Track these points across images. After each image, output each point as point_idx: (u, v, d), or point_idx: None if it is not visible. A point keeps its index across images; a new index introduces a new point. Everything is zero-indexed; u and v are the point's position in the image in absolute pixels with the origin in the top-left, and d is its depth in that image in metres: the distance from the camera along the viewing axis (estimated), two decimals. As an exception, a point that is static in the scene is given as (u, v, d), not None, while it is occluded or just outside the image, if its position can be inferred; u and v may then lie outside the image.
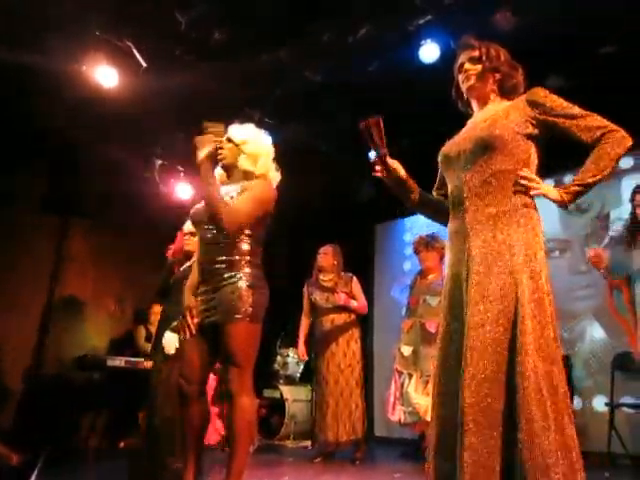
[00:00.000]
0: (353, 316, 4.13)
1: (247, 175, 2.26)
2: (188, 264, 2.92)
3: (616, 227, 3.95)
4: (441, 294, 3.93)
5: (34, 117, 3.91)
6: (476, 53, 1.72)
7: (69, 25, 3.21)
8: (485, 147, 1.60)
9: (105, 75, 3.52)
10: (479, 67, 1.71)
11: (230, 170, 2.30)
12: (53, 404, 4.17)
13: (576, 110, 1.59)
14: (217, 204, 2.01)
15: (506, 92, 1.74)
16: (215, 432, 4.28)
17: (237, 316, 2.05)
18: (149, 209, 4.73)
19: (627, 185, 3.12)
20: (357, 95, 4.04)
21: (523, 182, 1.57)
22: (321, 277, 4.24)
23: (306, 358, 4.35)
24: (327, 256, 4.23)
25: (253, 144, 2.26)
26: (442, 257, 4.08)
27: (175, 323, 2.64)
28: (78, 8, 3.10)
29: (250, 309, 2.07)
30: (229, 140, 2.26)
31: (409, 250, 5.62)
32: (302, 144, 4.64)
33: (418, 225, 5.76)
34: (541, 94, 1.63)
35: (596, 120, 1.57)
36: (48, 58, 3.32)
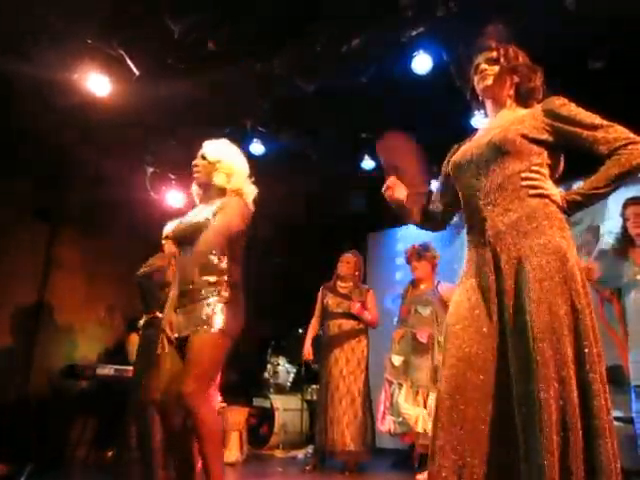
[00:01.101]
0: (362, 325, 4.12)
1: (221, 192, 2.29)
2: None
3: (607, 240, 3.98)
4: (432, 304, 3.96)
5: (24, 124, 3.89)
6: (494, 54, 1.68)
7: (60, 33, 3.20)
8: (498, 152, 1.57)
9: (97, 83, 3.51)
10: (496, 68, 1.67)
11: (205, 187, 2.35)
12: (41, 413, 4.12)
13: (596, 120, 1.51)
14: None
15: (523, 97, 1.69)
16: None
17: (205, 327, 2.06)
18: (139, 217, 4.70)
19: (617, 198, 3.14)
20: (350, 105, 4.06)
21: (525, 182, 1.53)
22: (339, 283, 4.26)
23: (311, 357, 4.30)
24: (349, 265, 4.24)
25: (227, 162, 2.29)
26: (434, 267, 4.10)
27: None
28: (69, 16, 3.10)
29: (221, 323, 2.08)
30: (203, 157, 2.31)
31: (400, 260, 5.63)
32: (294, 153, 4.65)
33: (410, 235, 5.77)
34: (557, 103, 1.58)
35: (617, 131, 1.49)
36: (40, 66, 3.31)
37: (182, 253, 2.26)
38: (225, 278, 2.16)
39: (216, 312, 2.09)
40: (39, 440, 3.91)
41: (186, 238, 2.21)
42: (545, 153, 1.57)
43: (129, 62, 3.42)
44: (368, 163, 4.76)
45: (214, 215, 2.15)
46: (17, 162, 4.25)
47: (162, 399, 2.11)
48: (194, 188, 2.42)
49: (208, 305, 2.09)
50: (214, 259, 2.17)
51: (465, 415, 1.41)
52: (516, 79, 1.68)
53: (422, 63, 3.60)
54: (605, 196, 1.51)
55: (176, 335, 2.15)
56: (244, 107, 4.10)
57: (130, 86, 3.58)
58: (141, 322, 4.53)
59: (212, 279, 2.14)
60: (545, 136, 1.56)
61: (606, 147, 1.48)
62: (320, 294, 4.31)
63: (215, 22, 3.27)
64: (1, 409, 4.00)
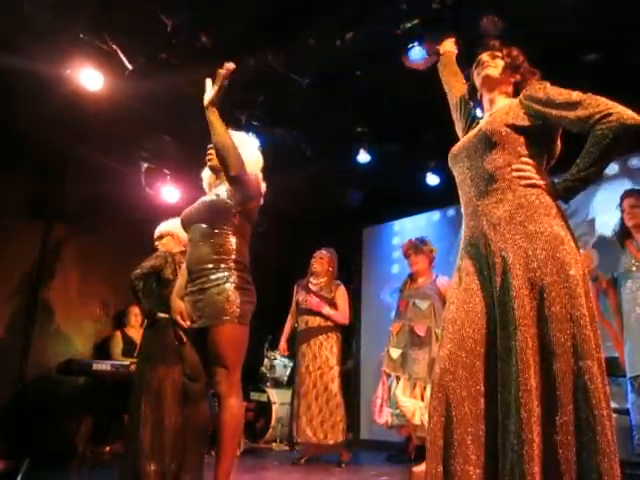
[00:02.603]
0: (330, 322, 4.10)
1: None
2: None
3: (602, 232, 3.99)
4: (430, 297, 3.97)
5: (17, 120, 3.85)
6: (497, 52, 1.72)
7: (53, 27, 3.16)
8: (487, 143, 1.58)
9: (90, 78, 3.48)
10: (499, 62, 1.71)
11: (218, 172, 2.34)
12: (38, 409, 4.11)
13: (572, 97, 1.49)
14: (228, 146, 2.09)
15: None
16: None
17: (225, 318, 2.05)
18: (134, 212, 4.69)
19: (613, 190, 3.15)
20: (345, 99, 4.04)
21: (516, 173, 1.54)
22: (312, 280, 4.26)
23: (286, 353, 4.40)
24: (322, 261, 4.25)
25: (240, 150, 2.25)
26: (431, 260, 4.11)
27: None
28: (60, 9, 3.06)
29: (237, 310, 2.08)
30: None
31: (397, 253, 5.65)
32: (289, 148, 4.63)
33: (406, 229, 5.79)
34: (537, 86, 1.60)
35: (591, 106, 1.45)
36: (32, 60, 3.27)
37: (191, 233, 2.23)
38: (234, 257, 2.15)
39: (231, 300, 2.07)
40: (36, 436, 3.90)
41: (198, 215, 2.20)
42: (534, 141, 1.58)
43: (122, 57, 3.39)
44: (364, 157, 4.75)
45: (227, 191, 2.17)
46: (11, 159, 4.22)
47: (190, 383, 2.13)
48: (205, 173, 2.43)
49: (219, 294, 2.07)
50: (225, 239, 2.16)
51: (455, 394, 1.43)
52: (517, 78, 1.70)
53: (417, 56, 3.57)
54: (597, 175, 1.49)
55: (189, 324, 2.14)
56: (238, 101, 4.07)
57: (123, 81, 3.55)
58: (130, 319, 4.59)
59: (221, 258, 2.12)
60: (528, 122, 1.57)
61: (583, 126, 1.46)
62: (295, 290, 4.33)
63: (208, 16, 3.24)
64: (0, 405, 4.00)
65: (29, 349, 4.28)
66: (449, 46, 2.14)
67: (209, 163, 2.34)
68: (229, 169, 2.10)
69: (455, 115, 1.95)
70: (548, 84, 1.60)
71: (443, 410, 1.43)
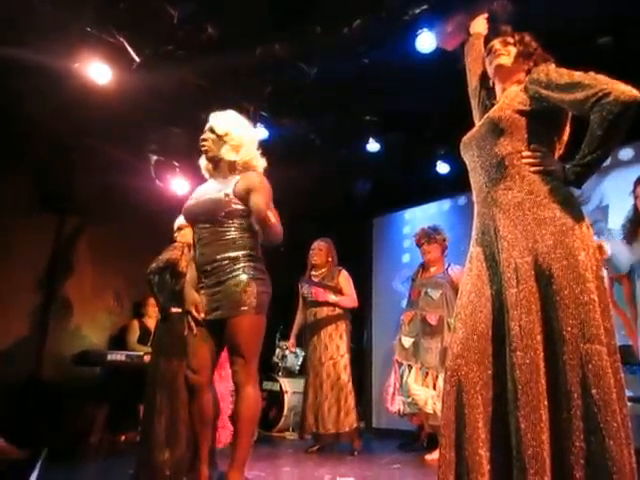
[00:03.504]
0: (338, 310, 4.10)
1: (231, 165, 2.26)
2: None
3: (616, 220, 3.94)
4: (442, 287, 3.96)
5: (27, 114, 3.87)
6: (509, 39, 1.68)
7: (60, 22, 3.16)
8: (495, 129, 1.57)
9: (98, 72, 3.48)
10: (512, 50, 1.67)
11: (214, 162, 2.31)
12: (55, 400, 4.18)
13: (574, 78, 1.44)
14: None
15: None
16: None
17: (242, 308, 2.07)
18: (145, 204, 4.71)
19: (627, 177, 3.10)
20: (353, 87, 4.01)
21: (525, 160, 1.53)
22: (312, 272, 4.25)
23: (294, 349, 4.47)
24: (321, 252, 4.22)
25: (235, 134, 2.25)
26: (444, 249, 4.09)
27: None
28: (68, 3, 3.06)
29: (254, 301, 2.09)
30: (212, 131, 2.26)
31: (408, 242, 5.63)
32: (298, 137, 4.61)
33: (417, 217, 5.76)
34: (541, 69, 1.56)
35: (586, 88, 1.40)
36: (41, 55, 3.28)
37: (199, 232, 2.22)
38: (247, 252, 2.16)
39: (247, 291, 2.08)
40: (53, 425, 3.98)
41: (206, 215, 2.18)
42: (542, 126, 1.56)
43: (129, 49, 3.39)
44: (373, 146, 4.71)
45: (236, 194, 2.15)
46: (21, 154, 4.25)
47: (193, 378, 2.13)
48: (203, 162, 2.38)
49: (236, 285, 2.08)
50: (237, 235, 2.16)
51: (467, 378, 1.44)
52: (531, 65, 1.66)
53: (426, 42, 3.53)
54: (604, 158, 1.46)
55: (203, 316, 2.15)
56: (246, 92, 4.06)
57: (131, 74, 3.55)
58: (147, 310, 4.63)
59: (235, 255, 2.13)
60: (534, 107, 1.54)
61: (582, 109, 1.43)
62: (299, 286, 4.32)
63: (214, 7, 3.22)
64: (16, 396, 4.07)
65: (45, 341, 4.35)
66: (480, 26, 2.01)
67: (204, 155, 2.31)
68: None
69: (473, 102, 1.91)
70: (552, 66, 1.56)
71: (455, 395, 1.44)
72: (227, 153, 2.25)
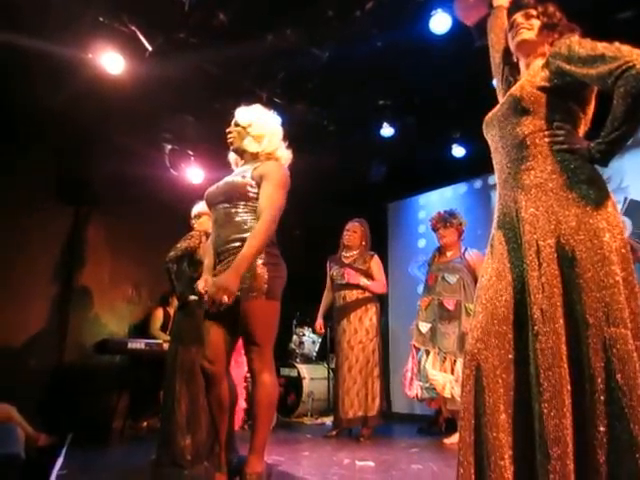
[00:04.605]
0: (367, 293, 4.06)
1: (254, 156, 2.29)
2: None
3: (636, 199, 3.86)
4: (459, 271, 3.93)
5: (45, 105, 3.90)
6: (532, 11, 1.61)
7: (73, 11, 3.17)
8: (517, 107, 1.51)
9: (111, 61, 3.49)
10: (534, 22, 1.60)
11: (240, 153, 2.36)
12: (77, 388, 4.27)
13: (597, 51, 1.38)
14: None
15: None
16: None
17: (252, 294, 2.06)
18: (162, 193, 4.74)
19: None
20: (366, 71, 3.96)
21: (549, 139, 1.48)
22: (344, 254, 4.21)
23: (322, 331, 4.36)
24: (356, 235, 4.18)
25: (258, 125, 2.28)
26: (460, 234, 4.05)
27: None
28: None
29: (265, 286, 2.08)
30: (236, 124, 2.30)
31: (423, 228, 5.59)
32: (312, 123, 4.58)
33: (432, 202, 5.71)
34: (562, 42, 1.49)
35: (609, 62, 1.34)
36: (56, 45, 3.29)
37: (216, 213, 2.25)
38: None
39: (258, 276, 2.07)
40: (76, 412, 4.06)
41: (224, 195, 2.21)
42: (566, 103, 1.50)
43: (142, 38, 3.38)
44: (387, 131, 4.67)
45: (253, 179, 2.16)
46: (39, 144, 4.30)
47: (209, 367, 2.14)
48: (231, 157, 2.43)
49: (247, 270, 2.06)
50: (249, 217, 2.16)
51: (487, 362, 1.42)
52: (556, 37, 1.59)
53: (440, 23, 3.46)
54: (629, 135, 1.39)
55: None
56: (259, 79, 4.04)
57: (144, 63, 3.55)
58: (172, 299, 4.69)
59: (246, 237, 2.12)
60: (557, 83, 1.47)
61: (605, 83, 1.36)
62: (327, 266, 4.29)
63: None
64: (41, 384, 4.17)
65: (66, 331, 4.43)
66: None
67: (231, 147, 2.36)
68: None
69: (497, 79, 1.84)
70: (575, 37, 1.49)
71: (475, 379, 1.42)
72: (249, 144, 2.28)
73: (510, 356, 1.43)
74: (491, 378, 1.40)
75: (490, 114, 1.66)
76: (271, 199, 2.11)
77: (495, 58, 1.85)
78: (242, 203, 2.17)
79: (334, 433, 4.07)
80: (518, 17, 1.62)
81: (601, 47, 1.39)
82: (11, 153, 4.15)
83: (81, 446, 3.27)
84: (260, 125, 2.27)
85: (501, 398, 1.39)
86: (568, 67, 1.44)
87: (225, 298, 1.95)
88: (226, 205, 2.20)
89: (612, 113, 1.37)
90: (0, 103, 3.85)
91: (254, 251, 2.02)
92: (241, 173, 2.24)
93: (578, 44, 1.44)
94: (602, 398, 1.28)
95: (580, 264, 1.36)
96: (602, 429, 1.27)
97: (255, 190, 2.17)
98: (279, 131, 2.35)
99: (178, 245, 2.99)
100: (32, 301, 4.24)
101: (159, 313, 4.74)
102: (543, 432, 1.29)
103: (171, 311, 4.68)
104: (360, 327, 4.01)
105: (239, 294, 2.07)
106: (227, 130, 2.32)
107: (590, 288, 1.33)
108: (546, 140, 1.49)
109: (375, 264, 4.13)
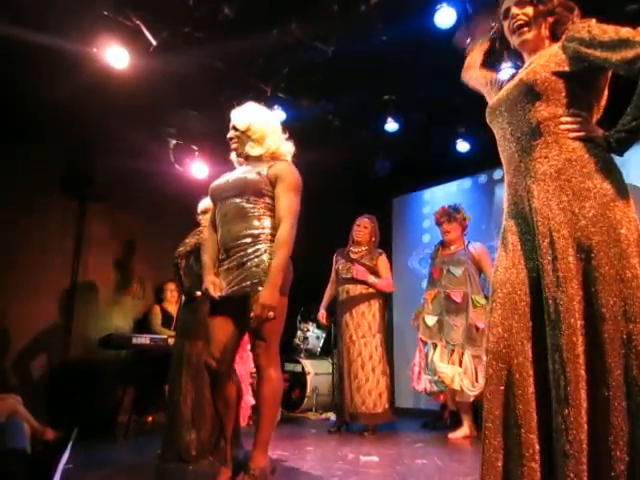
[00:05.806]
0: (371, 289, 4.05)
1: (259, 159, 2.28)
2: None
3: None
4: (464, 263, 3.92)
5: (50, 99, 3.90)
6: None
7: (78, 5, 3.16)
8: (529, 93, 1.45)
9: (116, 56, 3.48)
10: (529, 10, 1.54)
11: (244, 157, 2.35)
12: (82, 383, 4.29)
13: (619, 35, 1.32)
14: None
15: (560, 37, 1.51)
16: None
17: (261, 289, 2.05)
18: (166, 189, 4.74)
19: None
20: (371, 66, 3.94)
21: (564, 126, 1.42)
22: (352, 249, 4.19)
23: (326, 322, 4.34)
24: (366, 230, 4.16)
25: (257, 127, 2.26)
26: (464, 229, 4.06)
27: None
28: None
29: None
30: (235, 128, 2.29)
31: (428, 223, 5.58)
32: (316, 118, 4.57)
33: (436, 197, 5.69)
34: (580, 25, 1.43)
35: (635, 47, 1.29)
36: (60, 40, 3.29)
37: (224, 208, 2.23)
38: (270, 231, 2.16)
39: (267, 270, 2.07)
40: (82, 407, 4.08)
41: (236, 190, 2.20)
42: (581, 89, 1.45)
43: (146, 32, 3.37)
44: (391, 126, 4.65)
45: (268, 177, 2.18)
46: (45, 138, 4.30)
47: (215, 365, 2.15)
48: (233, 155, 2.42)
49: (258, 266, 2.08)
50: (261, 213, 2.17)
51: (511, 360, 1.39)
52: (551, 20, 1.55)
53: (445, 17, 3.44)
54: None
55: (219, 294, 2.14)
56: (263, 73, 4.02)
57: (149, 57, 3.54)
58: (166, 295, 4.70)
59: (258, 233, 2.14)
60: (573, 67, 1.42)
61: (630, 69, 1.31)
62: (334, 259, 4.28)
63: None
64: (47, 379, 4.19)
65: (72, 325, 4.44)
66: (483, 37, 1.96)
67: (234, 152, 2.36)
68: None
69: (485, 90, 1.81)
70: (593, 21, 1.43)
71: (500, 378, 1.39)
72: (252, 149, 2.28)
73: (533, 352, 1.39)
74: (516, 377, 1.37)
75: (495, 100, 1.60)
76: (289, 206, 2.14)
77: (478, 84, 1.86)
78: (255, 199, 2.17)
79: (334, 428, 4.07)
80: (512, 6, 1.57)
81: (624, 32, 1.34)
82: (13, 149, 4.15)
83: (86, 441, 3.29)
84: (259, 126, 2.26)
85: (532, 396, 1.36)
86: (589, 52, 1.38)
87: (271, 314, 2.00)
88: (237, 200, 2.19)
89: (635, 101, 1.32)
90: (3, 97, 3.84)
91: (283, 262, 2.06)
92: (254, 170, 2.22)
93: (598, 27, 1.40)
94: (618, 393, 1.25)
95: (597, 257, 1.32)
96: (617, 423, 1.25)
97: (269, 188, 2.18)
98: (278, 126, 2.35)
99: (187, 240, 2.98)
100: (37, 296, 4.25)
101: (157, 310, 4.73)
102: (559, 429, 1.27)
103: (167, 307, 4.69)
104: (362, 322, 3.99)
105: (247, 290, 2.08)
106: (228, 136, 2.31)
107: (607, 282, 1.30)
108: (561, 127, 1.43)
109: (382, 263, 4.12)
